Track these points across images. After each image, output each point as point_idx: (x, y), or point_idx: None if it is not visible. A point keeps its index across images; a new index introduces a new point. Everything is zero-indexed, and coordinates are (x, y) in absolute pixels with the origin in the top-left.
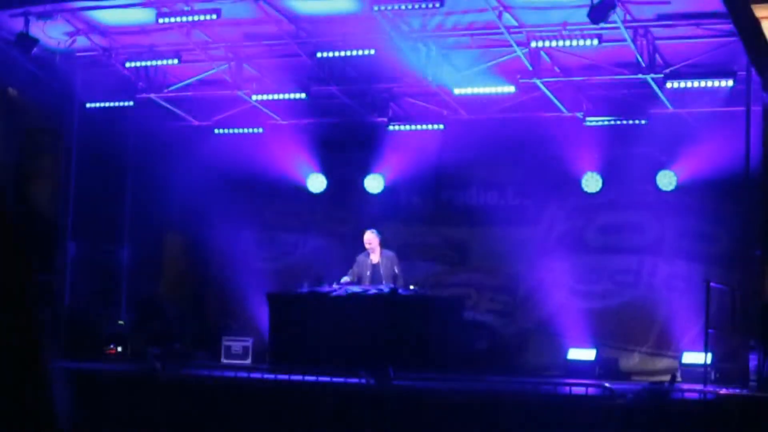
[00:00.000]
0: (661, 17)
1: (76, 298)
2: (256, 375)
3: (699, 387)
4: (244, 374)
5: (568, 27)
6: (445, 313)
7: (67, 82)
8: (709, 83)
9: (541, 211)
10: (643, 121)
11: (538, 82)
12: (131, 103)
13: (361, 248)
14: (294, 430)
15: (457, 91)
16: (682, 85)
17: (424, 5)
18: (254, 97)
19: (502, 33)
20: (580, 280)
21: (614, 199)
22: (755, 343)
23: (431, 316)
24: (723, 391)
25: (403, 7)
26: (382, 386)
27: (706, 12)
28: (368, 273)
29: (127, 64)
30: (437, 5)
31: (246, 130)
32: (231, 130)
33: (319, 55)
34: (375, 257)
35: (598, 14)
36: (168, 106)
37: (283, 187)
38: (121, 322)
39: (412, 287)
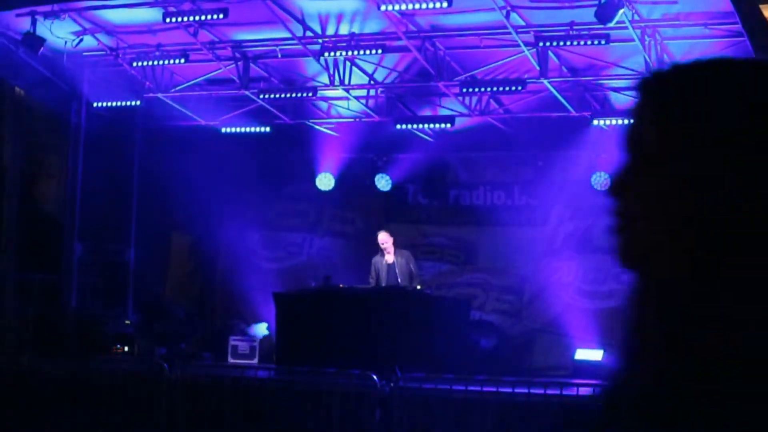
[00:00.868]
0: (668, 17)
1: (83, 298)
2: (263, 374)
3: None
4: (251, 374)
5: (575, 27)
6: (452, 313)
7: (74, 81)
8: None
9: (548, 211)
10: None
11: (545, 81)
12: (138, 103)
13: (370, 249)
14: (301, 430)
15: (464, 90)
16: None
17: (431, 4)
18: (261, 96)
19: (509, 33)
20: (587, 280)
21: None
22: None
23: (438, 316)
24: None
25: (410, 6)
26: (389, 386)
27: (714, 12)
28: (384, 273)
29: (134, 64)
30: (444, 4)
31: (253, 130)
32: (238, 129)
33: (326, 55)
34: (390, 257)
35: (605, 14)
36: (175, 105)
37: (290, 186)
38: (127, 321)
39: (419, 287)
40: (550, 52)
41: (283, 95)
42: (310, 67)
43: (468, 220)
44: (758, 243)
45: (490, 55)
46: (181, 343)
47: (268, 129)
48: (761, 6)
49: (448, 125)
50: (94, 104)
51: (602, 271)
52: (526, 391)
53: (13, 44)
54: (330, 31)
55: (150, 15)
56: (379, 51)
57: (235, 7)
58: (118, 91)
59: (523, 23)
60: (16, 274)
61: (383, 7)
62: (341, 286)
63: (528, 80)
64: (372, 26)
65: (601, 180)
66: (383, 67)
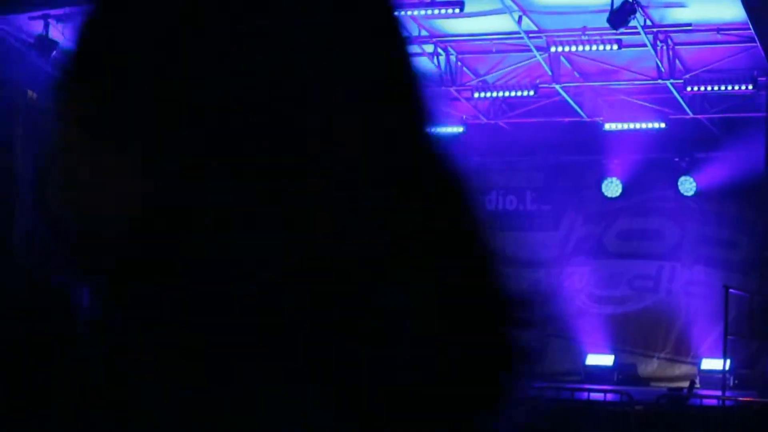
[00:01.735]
0: (680, 23)
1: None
2: None
3: (718, 393)
4: None
5: (587, 32)
6: None
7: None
8: (729, 88)
9: (560, 217)
10: (662, 125)
11: (557, 86)
12: None
13: None
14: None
15: (476, 95)
16: (702, 89)
17: (444, 10)
18: None
19: (521, 38)
20: (599, 286)
21: (633, 205)
22: None
23: None
24: (742, 397)
25: (423, 11)
26: None
27: (727, 18)
28: None
29: None
30: (457, 10)
31: None
32: None
33: None
34: None
35: (617, 19)
36: None
37: None
38: None
39: None
40: (562, 57)
41: None
42: None
43: None
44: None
45: (502, 60)
46: None
47: None
48: None
49: (460, 129)
50: None
51: (614, 276)
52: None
53: (26, 47)
54: None
55: None
56: None
57: None
58: None
59: (535, 28)
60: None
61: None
62: None
63: (540, 85)
64: None
65: (612, 185)
66: None
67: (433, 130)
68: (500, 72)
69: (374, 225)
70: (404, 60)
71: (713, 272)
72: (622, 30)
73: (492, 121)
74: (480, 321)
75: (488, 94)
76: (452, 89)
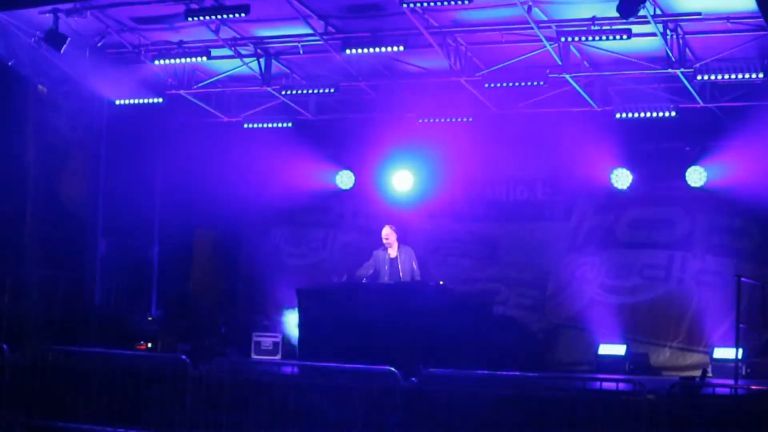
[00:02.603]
0: (690, 12)
1: (107, 295)
2: (286, 371)
3: (730, 382)
4: (274, 370)
5: (597, 21)
6: (475, 309)
7: (97, 78)
8: (739, 77)
9: (571, 207)
10: (673, 114)
11: (567, 76)
12: (161, 100)
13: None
14: (324, 425)
15: (486, 85)
16: (712, 78)
17: (453, 1)
18: (284, 93)
19: (531, 28)
20: (610, 276)
21: (644, 194)
22: None
23: (461, 312)
24: (754, 386)
25: (432, 3)
26: (411, 382)
27: (736, 7)
28: (386, 268)
29: (156, 62)
30: (466, 1)
31: (275, 125)
32: (260, 125)
33: (348, 51)
34: (393, 252)
35: (627, 9)
36: (197, 102)
37: (312, 182)
38: (150, 318)
39: (441, 282)
40: (572, 47)
41: (305, 91)
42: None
43: (490, 216)
44: None
45: (511, 50)
46: (205, 340)
47: (290, 125)
48: None
49: (470, 119)
50: (117, 102)
51: (625, 266)
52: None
53: (36, 42)
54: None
55: (172, 12)
56: (401, 47)
57: (257, 4)
58: (141, 88)
59: (544, 18)
60: (40, 271)
61: (405, 4)
62: (364, 281)
63: (550, 75)
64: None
65: (621, 176)
66: (404, 62)
67: None
68: (510, 62)
69: None
70: None
71: (724, 261)
72: (631, 19)
73: (502, 112)
74: None
75: (498, 85)
76: (462, 80)
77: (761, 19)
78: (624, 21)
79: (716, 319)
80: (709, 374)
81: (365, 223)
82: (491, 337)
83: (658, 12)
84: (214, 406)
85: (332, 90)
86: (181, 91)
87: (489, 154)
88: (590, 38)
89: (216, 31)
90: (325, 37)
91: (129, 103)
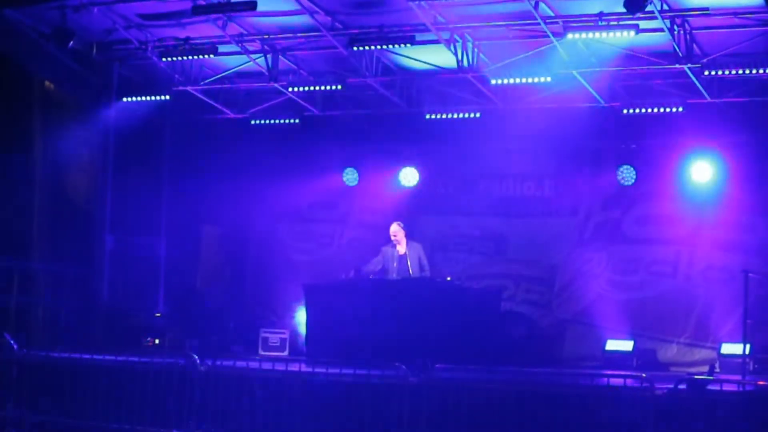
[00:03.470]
0: (697, 7)
1: (114, 290)
2: (294, 367)
3: (738, 378)
4: (281, 366)
5: (604, 17)
6: (482, 304)
7: (104, 75)
8: (747, 72)
9: (578, 202)
10: (680, 109)
11: (574, 72)
12: (168, 97)
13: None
14: (332, 422)
15: (493, 81)
16: (720, 73)
17: None
18: (290, 89)
19: (538, 23)
20: (617, 271)
21: (651, 190)
22: None
23: (468, 307)
24: (762, 381)
25: None
26: (419, 378)
27: (744, 2)
28: (395, 264)
29: (164, 58)
30: None
31: (282, 121)
32: (267, 121)
33: (354, 48)
34: (401, 248)
35: (634, 4)
36: (204, 98)
37: (319, 178)
38: (158, 314)
39: (449, 278)
40: (579, 43)
41: (312, 87)
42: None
43: (497, 211)
44: None
45: (518, 46)
46: (212, 336)
47: (297, 121)
48: None
49: (477, 115)
50: (124, 98)
51: (633, 261)
52: (556, 381)
53: (43, 38)
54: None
55: (179, 9)
56: (408, 45)
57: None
58: (148, 84)
59: (551, 13)
60: (47, 266)
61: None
62: (371, 277)
63: (557, 71)
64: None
65: (627, 172)
66: (411, 58)
67: None
68: (517, 58)
69: None
70: None
71: (732, 257)
72: (639, 14)
73: (509, 107)
74: None
75: (505, 81)
76: (469, 75)
77: None
78: (631, 16)
79: (724, 314)
80: (717, 370)
81: (372, 219)
82: (499, 333)
83: (666, 7)
84: (221, 402)
85: (339, 86)
86: (189, 88)
87: (496, 149)
88: (597, 34)
89: (223, 28)
90: (332, 33)
91: (136, 100)
